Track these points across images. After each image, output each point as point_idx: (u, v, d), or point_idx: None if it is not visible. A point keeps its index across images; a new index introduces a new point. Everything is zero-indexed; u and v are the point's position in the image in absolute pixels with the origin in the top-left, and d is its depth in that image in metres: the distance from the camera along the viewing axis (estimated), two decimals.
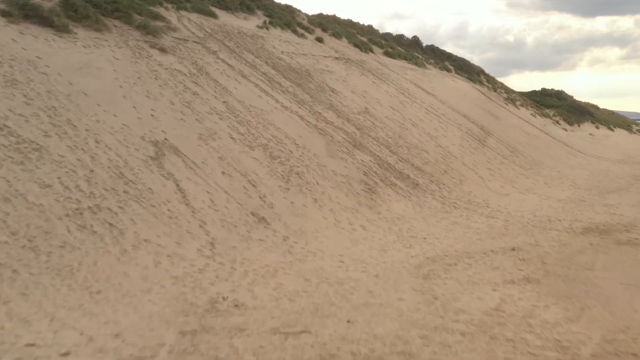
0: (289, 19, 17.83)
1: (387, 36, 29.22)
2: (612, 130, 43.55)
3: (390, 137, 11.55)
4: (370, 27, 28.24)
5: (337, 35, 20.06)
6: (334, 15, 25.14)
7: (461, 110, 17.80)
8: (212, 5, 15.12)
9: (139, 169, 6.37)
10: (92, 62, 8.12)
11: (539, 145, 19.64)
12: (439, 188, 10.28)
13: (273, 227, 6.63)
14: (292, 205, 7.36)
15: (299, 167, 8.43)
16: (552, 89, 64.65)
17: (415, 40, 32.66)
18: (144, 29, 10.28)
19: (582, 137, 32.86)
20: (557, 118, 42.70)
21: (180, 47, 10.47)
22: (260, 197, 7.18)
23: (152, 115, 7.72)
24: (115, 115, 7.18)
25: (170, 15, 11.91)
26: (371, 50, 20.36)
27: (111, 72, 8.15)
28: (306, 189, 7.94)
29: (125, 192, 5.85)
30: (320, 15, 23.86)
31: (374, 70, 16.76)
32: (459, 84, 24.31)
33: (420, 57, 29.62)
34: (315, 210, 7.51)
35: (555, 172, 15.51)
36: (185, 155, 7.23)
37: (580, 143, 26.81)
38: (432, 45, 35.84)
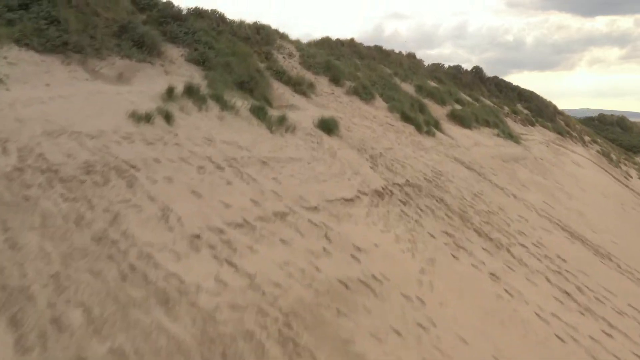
0: (254, 66, 8.54)
1: (439, 70, 20.17)
2: None
3: None
4: (411, 57, 19.12)
5: (362, 92, 10.78)
6: (352, 40, 15.93)
7: None
8: (24, 36, 5.88)
9: None
10: None
11: None
12: None
13: None
14: None
15: None
16: (612, 115, 56.71)
17: (477, 72, 23.73)
18: None
19: None
20: None
21: None
22: None
23: None
24: None
25: None
26: (436, 126, 11.03)
27: None
28: None
29: None
30: (326, 41, 14.67)
31: (468, 218, 7.37)
32: (587, 171, 15.08)
33: (497, 104, 20.58)
34: None
35: None
36: None
37: None
38: (496, 78, 27.08)
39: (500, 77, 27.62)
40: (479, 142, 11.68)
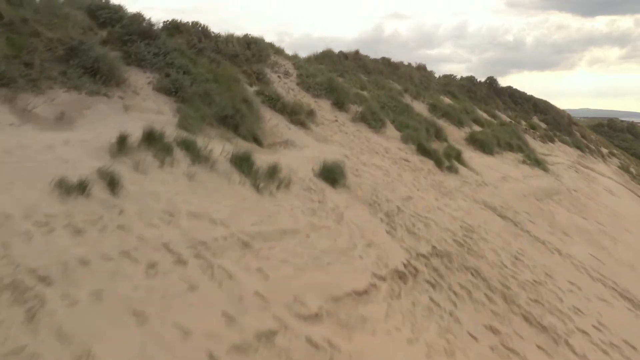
0: (241, 94, 7.13)
1: (452, 84, 18.82)
2: None
3: None
4: (422, 69, 17.78)
5: (371, 119, 9.39)
6: (356, 52, 14.51)
7: None
8: None
9: None
10: None
11: None
12: None
13: None
14: None
15: None
16: (622, 121, 55.91)
17: (491, 83, 22.44)
18: None
19: None
20: None
21: None
22: None
23: None
24: None
25: None
26: (457, 158, 9.60)
27: None
28: None
29: None
30: (328, 55, 13.29)
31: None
32: (622, 200, 13.63)
33: (513, 119, 19.27)
34: None
35: None
36: None
37: None
38: (510, 88, 25.80)
39: (514, 88, 26.39)
40: (506, 175, 10.24)
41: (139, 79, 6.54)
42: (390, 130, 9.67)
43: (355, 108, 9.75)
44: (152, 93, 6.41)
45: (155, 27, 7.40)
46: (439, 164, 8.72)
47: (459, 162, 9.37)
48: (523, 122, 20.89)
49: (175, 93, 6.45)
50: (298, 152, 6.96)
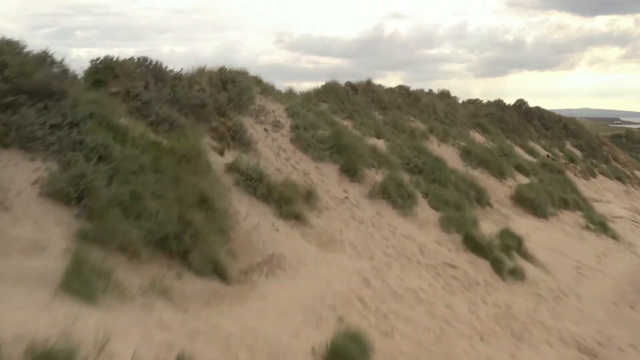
0: (195, 192, 4.55)
1: (479, 113, 16.31)
2: None
3: None
4: (445, 96, 15.28)
5: (396, 195, 6.85)
6: (368, 83, 11.90)
7: None
8: None
9: None
10: None
11: None
12: None
13: None
14: None
15: None
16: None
17: (520, 106, 20.05)
18: None
19: None
20: None
21: None
22: None
23: None
24: None
25: None
26: (518, 250, 7.00)
27: None
28: None
29: None
30: (332, 89, 10.73)
31: None
32: None
33: (548, 149, 16.89)
34: None
35: None
36: None
37: None
38: (539, 109, 23.45)
39: (542, 108, 24.03)
40: (579, 263, 7.68)
41: (19, 174, 3.95)
42: (423, 208, 7.08)
43: (373, 175, 7.19)
44: (38, 203, 3.81)
45: (63, 77, 4.80)
46: (497, 267, 6.16)
47: (521, 255, 6.82)
48: (560, 153, 18.51)
49: (78, 201, 3.86)
50: (288, 285, 4.37)
